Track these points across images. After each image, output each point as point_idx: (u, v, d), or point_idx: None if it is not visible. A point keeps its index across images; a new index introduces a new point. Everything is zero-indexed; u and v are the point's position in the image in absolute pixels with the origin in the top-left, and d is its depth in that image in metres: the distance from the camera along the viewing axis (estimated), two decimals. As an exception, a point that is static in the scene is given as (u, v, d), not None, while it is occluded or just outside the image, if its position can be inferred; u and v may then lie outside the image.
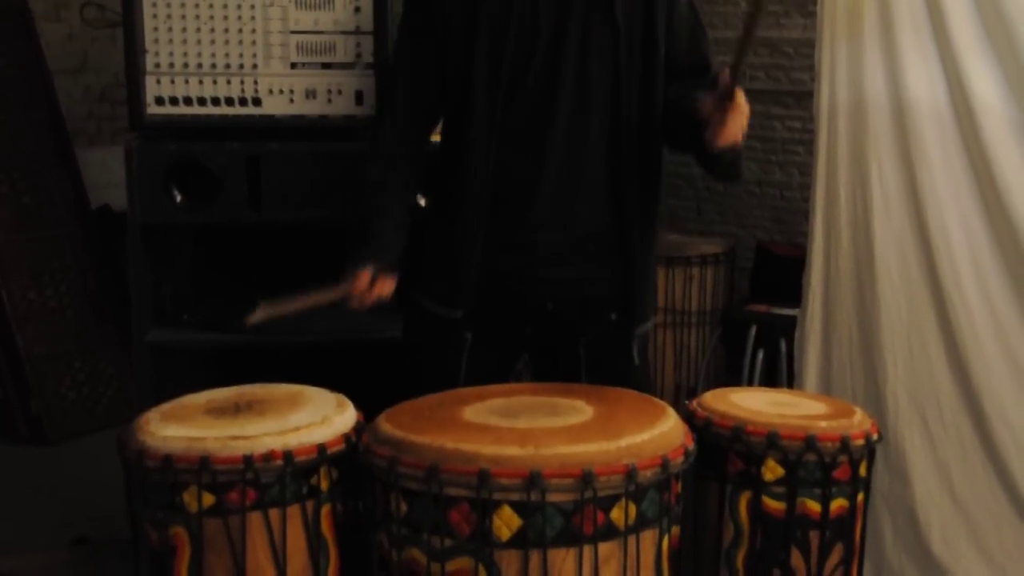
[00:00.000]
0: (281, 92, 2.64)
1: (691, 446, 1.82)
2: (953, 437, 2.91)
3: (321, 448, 1.81)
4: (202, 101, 2.63)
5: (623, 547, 1.72)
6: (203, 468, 1.74)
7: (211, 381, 2.06)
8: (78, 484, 3.78)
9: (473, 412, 1.86)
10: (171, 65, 2.61)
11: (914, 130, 2.88)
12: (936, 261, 2.89)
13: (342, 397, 1.98)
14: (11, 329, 4.25)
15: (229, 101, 2.63)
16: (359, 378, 2.17)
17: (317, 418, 1.86)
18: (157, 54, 2.60)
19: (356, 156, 2.63)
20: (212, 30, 2.60)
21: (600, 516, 1.69)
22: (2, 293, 4.24)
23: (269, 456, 1.76)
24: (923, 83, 2.86)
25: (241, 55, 2.62)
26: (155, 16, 2.59)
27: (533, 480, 1.64)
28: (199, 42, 2.60)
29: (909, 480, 2.93)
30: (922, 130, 2.87)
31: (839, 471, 1.96)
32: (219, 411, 1.90)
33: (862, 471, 2.01)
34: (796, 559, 1.97)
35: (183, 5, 2.58)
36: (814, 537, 1.97)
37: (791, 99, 4.59)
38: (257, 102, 2.64)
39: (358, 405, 1.97)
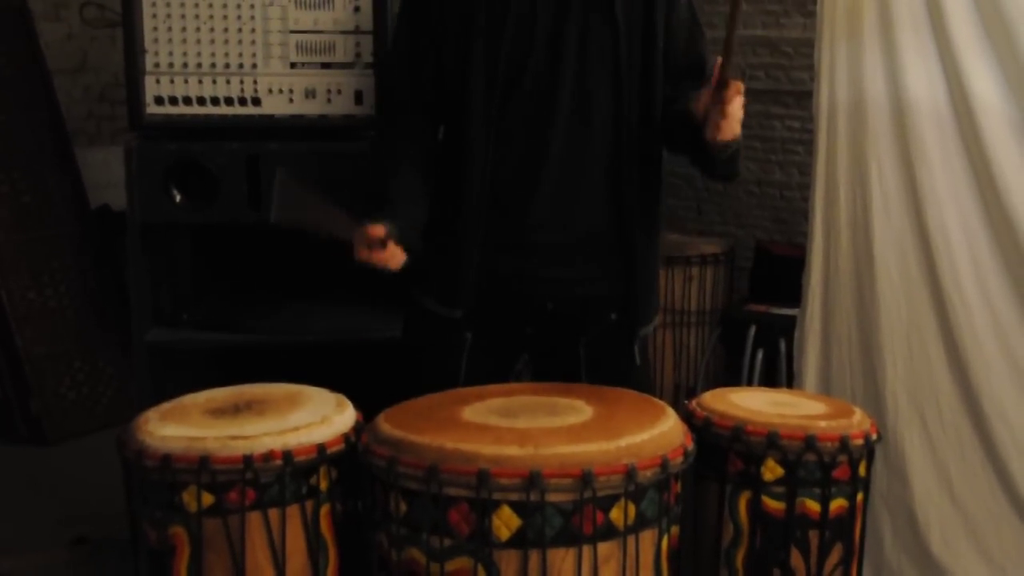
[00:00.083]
0: (281, 92, 2.64)
1: (690, 446, 1.82)
2: (952, 437, 2.91)
3: (320, 448, 1.81)
4: (202, 101, 2.63)
5: (622, 547, 1.72)
6: (202, 468, 1.74)
7: (211, 381, 2.06)
8: (78, 484, 3.78)
9: (473, 412, 1.86)
10: (171, 65, 2.61)
11: (914, 130, 2.88)
12: (936, 261, 2.89)
13: (341, 397, 1.98)
14: (10, 329, 4.25)
15: (229, 101, 2.63)
16: (359, 378, 2.17)
17: (317, 418, 1.86)
18: (157, 54, 2.60)
19: (356, 156, 2.64)
20: (212, 30, 2.60)
21: (599, 516, 1.69)
22: (2, 293, 4.24)
23: (268, 456, 1.76)
24: (923, 83, 2.86)
25: (241, 55, 2.62)
26: (155, 16, 2.59)
27: (532, 480, 1.64)
28: (199, 42, 2.60)
29: (908, 480, 2.92)
30: (922, 130, 2.87)
31: (839, 471, 1.96)
32: (218, 411, 1.90)
33: (861, 471, 2.01)
34: (796, 559, 1.97)
35: (183, 5, 2.58)
36: (813, 537, 1.97)
37: (791, 99, 4.59)
38: (257, 102, 2.64)
39: (357, 405, 1.96)
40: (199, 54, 2.61)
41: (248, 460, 1.75)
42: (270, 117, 2.65)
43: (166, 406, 1.94)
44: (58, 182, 4.55)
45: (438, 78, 2.19)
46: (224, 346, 2.68)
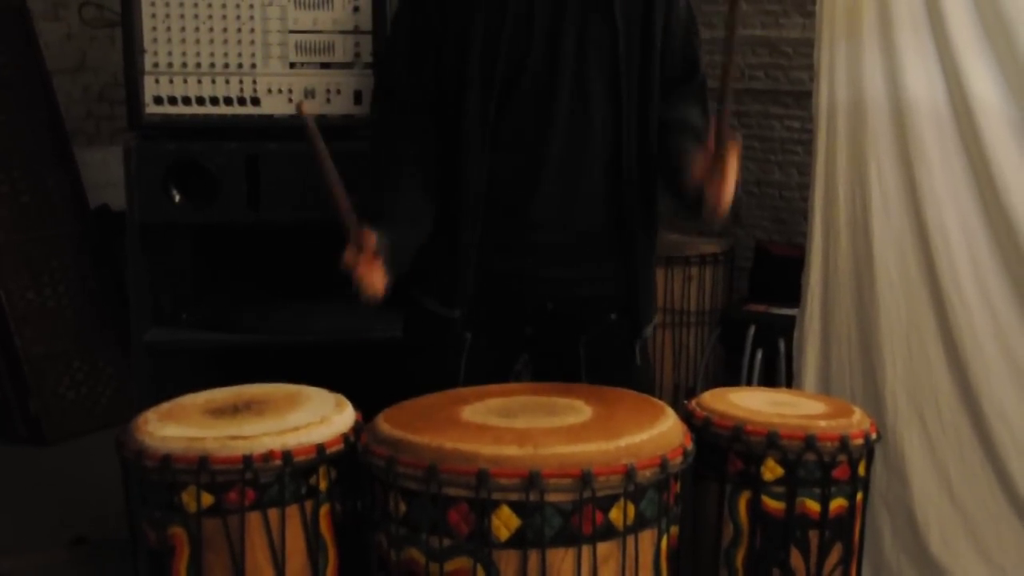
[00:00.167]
0: (280, 92, 2.64)
1: (690, 446, 1.82)
2: (952, 437, 2.91)
3: (320, 448, 1.80)
4: (201, 101, 2.63)
5: (622, 547, 1.72)
6: (202, 468, 1.74)
7: (210, 381, 2.06)
8: (77, 484, 3.78)
9: (472, 412, 1.86)
10: (170, 65, 2.61)
11: (913, 130, 2.88)
12: (935, 261, 2.89)
13: (341, 397, 1.97)
14: (9, 329, 4.25)
15: (228, 101, 2.63)
16: (358, 378, 2.17)
17: (316, 418, 1.85)
18: (156, 54, 2.60)
19: (355, 155, 2.63)
20: (211, 30, 2.60)
21: (599, 516, 1.69)
22: (1, 293, 4.24)
23: (268, 456, 1.76)
24: (922, 83, 2.86)
25: (240, 55, 2.62)
26: (154, 16, 2.59)
27: (532, 480, 1.64)
28: (198, 42, 2.60)
29: (908, 480, 2.93)
30: (921, 130, 2.87)
31: (838, 471, 1.96)
32: (218, 411, 1.90)
33: (861, 471, 2.01)
34: (795, 559, 1.97)
35: (182, 5, 2.58)
36: (813, 537, 1.97)
37: (790, 99, 4.59)
38: (256, 102, 2.64)
39: (357, 405, 1.96)
40: (198, 54, 2.61)
41: (248, 460, 1.75)
42: (269, 117, 2.65)
43: (165, 406, 1.94)
44: (57, 182, 4.55)
45: (437, 78, 2.19)
46: (223, 346, 2.68)
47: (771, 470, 1.95)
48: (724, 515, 2.00)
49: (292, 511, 1.81)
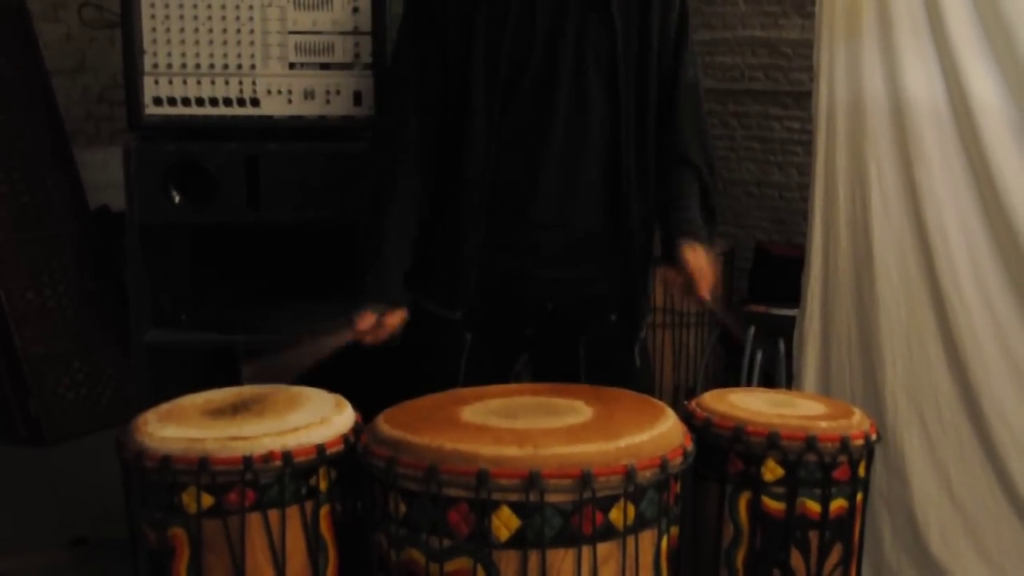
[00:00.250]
0: (279, 92, 2.64)
1: (690, 446, 1.82)
2: (952, 437, 2.91)
3: (320, 449, 1.80)
4: (200, 102, 2.63)
5: (622, 547, 1.72)
6: (202, 469, 1.74)
7: (210, 381, 2.06)
8: (77, 485, 3.78)
9: (472, 412, 1.86)
10: (169, 66, 2.61)
11: (913, 130, 2.88)
12: (935, 261, 2.89)
13: (340, 398, 1.97)
14: (9, 329, 4.26)
15: (227, 102, 2.63)
16: (358, 378, 2.17)
17: (316, 419, 1.85)
18: (155, 55, 2.60)
19: (355, 156, 2.63)
20: (210, 31, 2.60)
21: (599, 516, 1.69)
22: (1, 293, 4.24)
23: (268, 457, 1.76)
24: (922, 83, 2.86)
25: (239, 55, 2.62)
26: (153, 17, 2.59)
27: (532, 480, 1.64)
28: (197, 43, 2.60)
29: (908, 480, 2.93)
30: (921, 130, 2.87)
31: (839, 471, 1.96)
32: (217, 412, 1.90)
33: (861, 471, 2.01)
34: (796, 559, 1.97)
35: (181, 6, 2.58)
36: (814, 537, 1.97)
37: (790, 99, 4.60)
38: (255, 103, 2.64)
39: (356, 405, 1.96)
40: (198, 55, 2.61)
41: (248, 461, 1.75)
42: (269, 118, 2.65)
43: (165, 407, 1.93)
44: (57, 183, 4.55)
45: (442, 80, 2.19)
46: (223, 346, 2.68)
47: (771, 471, 1.95)
48: (724, 515, 2.00)
49: (292, 512, 1.81)
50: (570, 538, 1.68)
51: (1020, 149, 2.79)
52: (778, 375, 3.71)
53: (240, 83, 2.63)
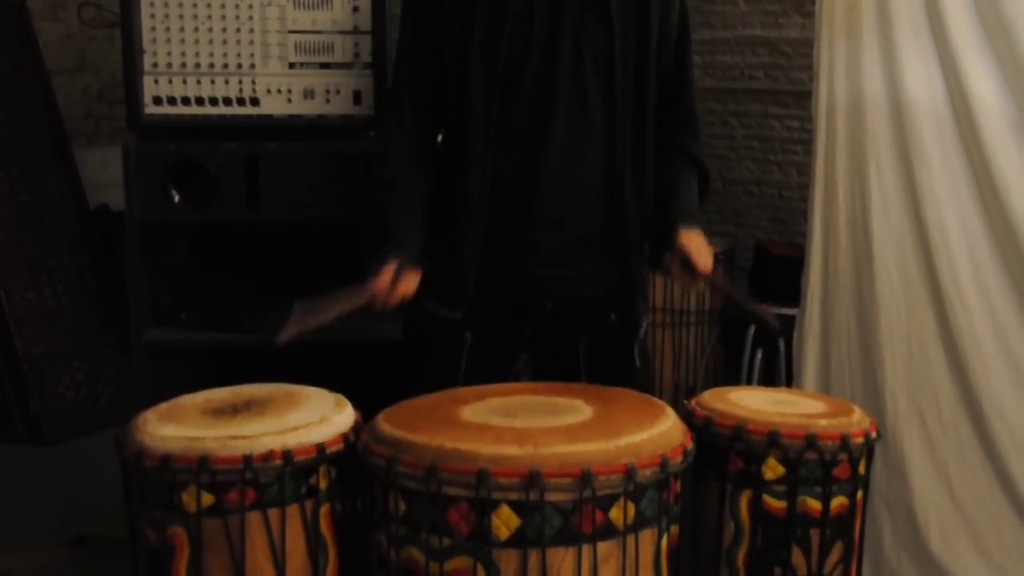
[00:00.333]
0: (279, 92, 2.64)
1: (690, 445, 1.82)
2: (952, 436, 2.91)
3: (320, 448, 1.80)
4: (200, 101, 2.62)
5: (622, 546, 1.72)
6: (202, 468, 1.74)
7: (209, 381, 2.06)
8: (76, 484, 3.78)
9: (472, 411, 1.86)
10: (169, 65, 2.61)
11: (913, 129, 2.88)
12: (935, 261, 2.89)
13: (340, 397, 1.97)
14: (9, 329, 4.26)
15: (227, 101, 2.63)
16: (358, 378, 2.17)
17: (316, 418, 1.85)
18: (155, 54, 2.60)
19: (355, 155, 2.64)
20: (210, 30, 2.60)
21: (599, 515, 1.69)
22: (0, 293, 4.24)
23: (268, 456, 1.76)
24: (922, 82, 2.86)
25: (239, 55, 2.62)
26: (153, 16, 2.59)
27: (532, 479, 1.64)
28: (197, 42, 2.60)
29: (908, 479, 2.93)
30: (921, 129, 2.87)
31: (839, 469, 1.96)
32: (217, 411, 1.90)
33: (861, 469, 2.02)
34: (797, 557, 1.97)
35: (181, 5, 2.58)
36: (814, 535, 1.97)
37: (789, 98, 4.60)
38: (255, 102, 2.64)
39: (356, 405, 1.96)
40: (197, 54, 2.61)
41: (248, 460, 1.74)
42: (268, 117, 2.65)
43: (164, 406, 1.93)
44: (57, 182, 4.55)
45: (441, 80, 2.19)
46: (223, 346, 2.68)
47: (772, 469, 1.95)
48: (725, 514, 2.00)
49: (292, 511, 1.81)
50: (570, 537, 1.68)
51: (1020, 148, 2.79)
52: (778, 374, 3.70)
53: (240, 82, 2.63)
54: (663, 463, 1.73)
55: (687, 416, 2.02)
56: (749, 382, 3.81)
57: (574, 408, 1.87)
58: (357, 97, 2.65)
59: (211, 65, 2.61)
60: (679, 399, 3.99)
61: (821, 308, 3.07)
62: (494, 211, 2.17)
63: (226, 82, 2.62)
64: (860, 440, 1.98)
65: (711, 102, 4.64)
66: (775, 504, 1.96)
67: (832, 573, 1.99)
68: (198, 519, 1.76)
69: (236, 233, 2.78)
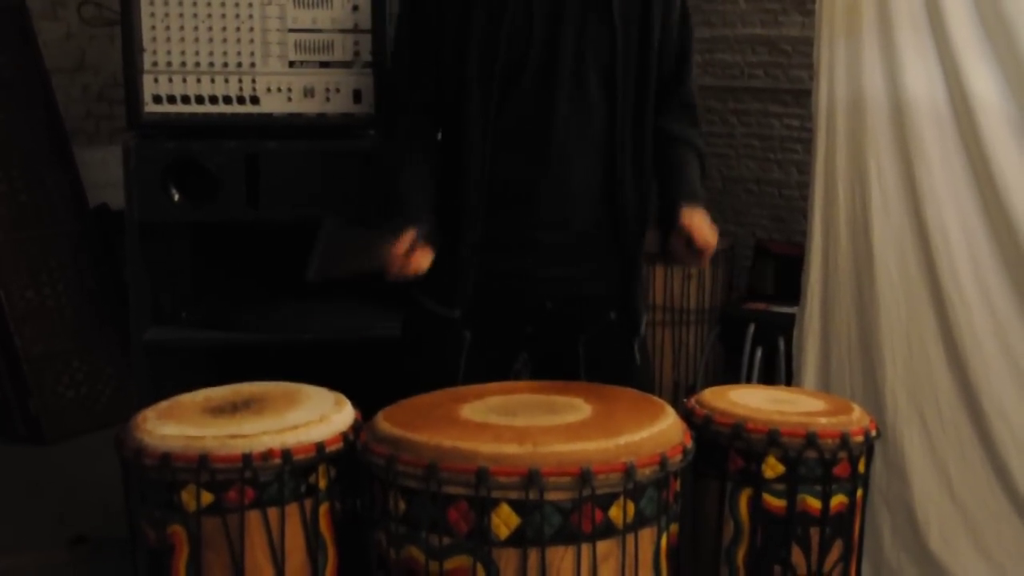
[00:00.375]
0: (279, 90, 2.64)
1: (689, 444, 1.82)
2: (952, 435, 2.91)
3: (319, 446, 1.80)
4: (200, 100, 2.62)
5: (621, 545, 1.72)
6: (201, 467, 1.74)
7: (209, 380, 2.06)
8: (76, 483, 3.78)
9: (471, 410, 1.86)
10: (169, 64, 2.61)
11: (913, 128, 2.88)
12: (935, 259, 2.89)
13: (340, 395, 1.97)
14: (9, 329, 4.25)
15: (227, 100, 2.63)
16: (357, 376, 2.17)
17: (315, 416, 1.85)
18: (155, 53, 2.60)
19: (355, 154, 2.64)
20: (210, 28, 2.60)
21: (598, 514, 1.69)
22: (0, 292, 4.24)
23: (267, 455, 1.76)
24: (922, 81, 2.86)
25: (239, 53, 2.62)
26: (153, 15, 2.59)
27: (531, 478, 1.64)
28: (197, 40, 2.60)
29: (908, 478, 2.93)
30: (921, 128, 2.87)
31: (839, 468, 1.96)
32: (217, 409, 1.90)
33: (861, 468, 2.02)
34: (796, 556, 1.97)
35: (181, 3, 2.58)
36: (814, 534, 1.97)
37: (789, 97, 4.59)
38: (255, 100, 2.64)
39: (356, 403, 1.96)
40: (197, 53, 2.61)
41: (247, 459, 1.74)
42: (268, 116, 2.65)
43: (164, 405, 1.93)
44: (56, 181, 4.55)
45: (438, 77, 2.19)
46: (223, 345, 2.68)
47: (772, 467, 1.95)
48: (725, 513, 2.00)
49: (292, 509, 1.81)
50: (570, 536, 1.68)
51: (1020, 147, 2.79)
52: (778, 373, 3.70)
53: (240, 81, 2.63)
54: (663, 462, 1.73)
55: (687, 415, 2.02)
56: (749, 380, 3.81)
57: (573, 407, 1.87)
58: (357, 96, 2.65)
59: (211, 64, 2.61)
60: (679, 397, 3.99)
61: (821, 307, 3.07)
62: (493, 211, 2.17)
63: (226, 81, 2.62)
64: (860, 439, 1.98)
65: (711, 100, 4.64)
66: (775, 503, 1.96)
67: (832, 572, 1.99)
68: (197, 518, 1.76)
69: (236, 232, 2.78)
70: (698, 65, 4.36)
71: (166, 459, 1.75)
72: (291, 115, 2.65)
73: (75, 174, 4.63)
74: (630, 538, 1.72)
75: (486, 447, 1.67)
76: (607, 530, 1.70)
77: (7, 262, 4.29)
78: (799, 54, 4.47)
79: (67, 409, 4.36)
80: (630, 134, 2.18)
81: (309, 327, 2.69)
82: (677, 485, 1.83)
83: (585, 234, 2.22)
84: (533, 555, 1.67)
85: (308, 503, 1.83)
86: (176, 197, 2.60)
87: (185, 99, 2.62)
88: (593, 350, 2.26)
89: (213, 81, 2.62)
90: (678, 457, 1.77)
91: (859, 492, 2.02)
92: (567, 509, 1.67)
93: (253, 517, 1.78)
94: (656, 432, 1.76)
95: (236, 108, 2.63)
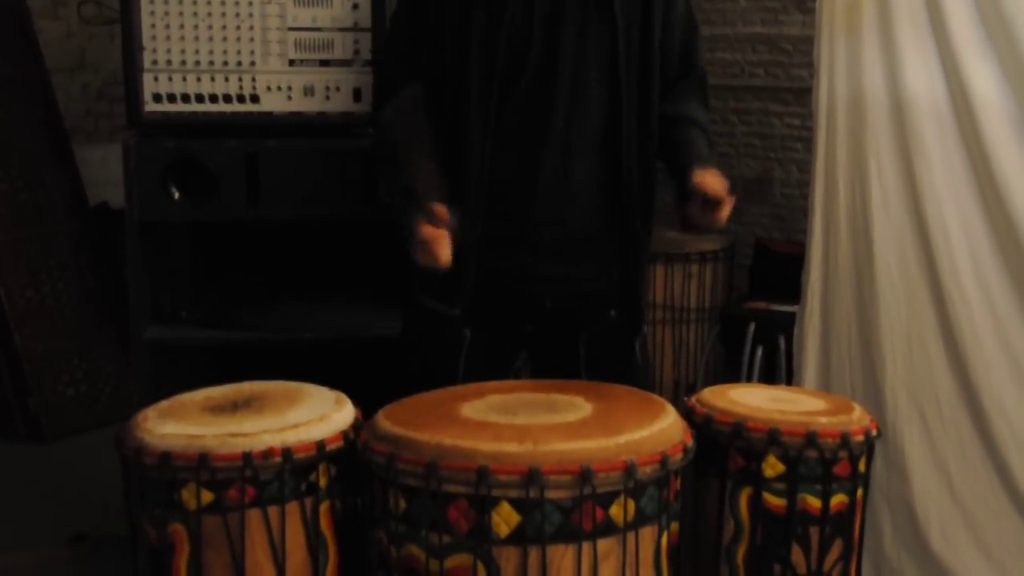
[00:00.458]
0: (279, 89, 2.64)
1: (690, 443, 1.82)
2: (952, 433, 2.91)
3: (320, 445, 1.80)
4: (200, 98, 2.62)
5: (622, 544, 1.72)
6: (202, 465, 1.73)
7: (210, 378, 2.06)
8: (76, 482, 3.78)
9: (472, 409, 1.86)
10: (169, 62, 2.61)
11: (913, 126, 2.88)
12: (935, 258, 2.89)
13: (340, 394, 1.97)
14: (9, 327, 4.25)
15: (227, 98, 2.63)
16: (357, 375, 2.17)
17: (316, 415, 1.85)
18: (155, 51, 2.60)
19: (355, 153, 2.64)
20: (210, 27, 2.60)
21: (599, 513, 1.69)
22: (0, 291, 4.24)
23: (268, 453, 1.76)
24: (922, 79, 2.86)
25: (239, 52, 2.62)
26: (153, 13, 2.59)
27: (532, 477, 1.64)
28: (197, 39, 2.60)
29: (908, 476, 2.93)
30: (921, 126, 2.87)
31: (839, 467, 1.96)
32: (217, 408, 1.90)
33: (861, 467, 2.01)
34: (796, 555, 1.97)
35: (181, 2, 2.58)
36: (814, 533, 1.97)
37: (790, 96, 4.59)
38: (255, 99, 2.64)
39: (356, 402, 1.96)
40: (197, 51, 2.61)
41: (247, 457, 1.74)
42: (268, 114, 2.65)
43: (165, 404, 1.93)
44: (56, 180, 4.54)
45: (436, 75, 2.18)
46: (223, 343, 2.68)
47: (772, 466, 1.95)
48: (725, 512, 2.00)
49: (292, 508, 1.81)
50: (570, 534, 1.68)
51: (1020, 145, 2.79)
52: (778, 372, 3.70)
53: (240, 80, 2.62)
54: (663, 460, 1.73)
55: (687, 413, 2.02)
56: (749, 379, 3.81)
57: (574, 405, 1.87)
58: (357, 94, 2.65)
59: (211, 62, 2.61)
60: (679, 396, 3.99)
61: (821, 305, 3.07)
62: (493, 209, 2.17)
63: (226, 79, 2.62)
64: (860, 438, 1.98)
65: (711, 99, 4.62)
66: (775, 502, 1.96)
67: (832, 571, 1.99)
68: (198, 516, 1.76)
69: (236, 231, 2.78)
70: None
71: (166, 458, 1.75)
72: (291, 114, 2.65)
73: (75, 173, 4.62)
74: (631, 536, 1.72)
75: (486, 445, 1.67)
76: (608, 528, 1.70)
77: (7, 261, 4.28)
78: (799, 53, 4.46)
79: (67, 408, 4.36)
80: (634, 132, 2.18)
81: (309, 326, 2.69)
82: (678, 484, 1.83)
83: (586, 233, 2.21)
84: (533, 553, 1.67)
85: (308, 502, 1.83)
86: (176, 196, 2.60)
87: (185, 98, 2.62)
88: (593, 349, 2.26)
89: (213, 80, 2.62)
90: (679, 456, 1.77)
91: (859, 491, 2.02)
92: (567, 507, 1.67)
93: (253, 516, 1.78)
94: (657, 431, 1.76)
95: (236, 107, 2.63)
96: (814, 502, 1.96)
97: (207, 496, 1.76)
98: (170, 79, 2.61)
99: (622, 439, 1.71)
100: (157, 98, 2.61)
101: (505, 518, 1.66)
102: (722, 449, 1.99)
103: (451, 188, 2.18)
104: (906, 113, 2.88)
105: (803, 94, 4.18)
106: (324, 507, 1.85)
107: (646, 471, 1.71)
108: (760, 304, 4.00)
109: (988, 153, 2.79)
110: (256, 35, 2.62)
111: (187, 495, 1.76)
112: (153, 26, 2.59)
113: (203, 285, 2.85)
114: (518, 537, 1.67)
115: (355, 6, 2.63)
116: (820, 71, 2.99)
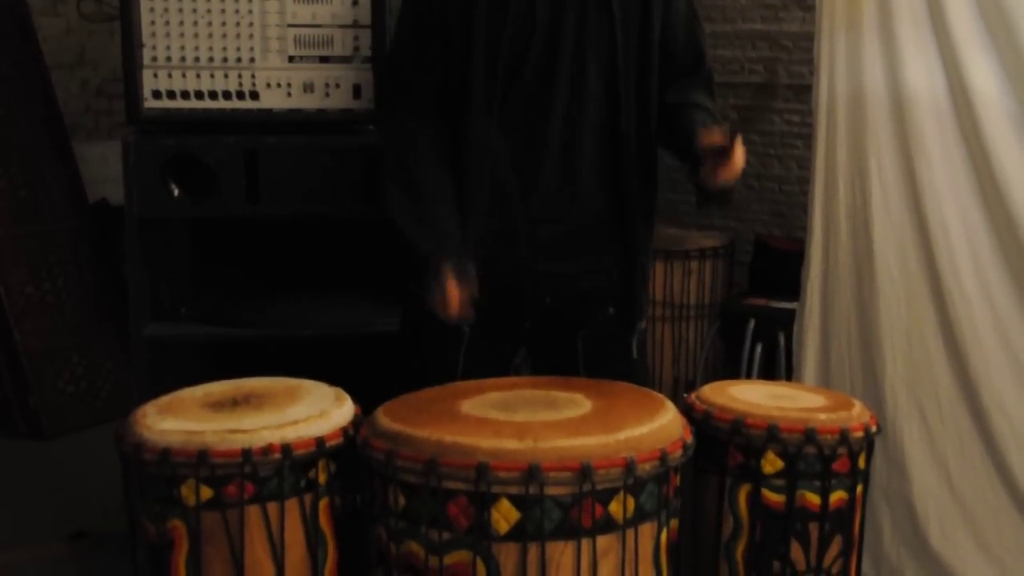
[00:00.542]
0: (279, 86, 2.64)
1: (689, 439, 1.82)
2: (952, 430, 2.91)
3: (319, 442, 1.80)
4: (199, 95, 2.62)
5: (621, 540, 1.72)
6: (201, 461, 1.74)
7: (209, 375, 2.06)
8: (76, 478, 3.78)
9: (471, 405, 1.86)
10: (168, 59, 2.60)
11: (913, 123, 2.87)
12: (935, 254, 2.88)
13: (340, 391, 1.97)
14: (8, 324, 4.25)
15: (227, 95, 2.63)
16: (357, 372, 2.17)
17: (315, 412, 1.85)
18: (154, 48, 2.60)
19: (354, 149, 2.63)
20: (209, 24, 2.60)
21: (598, 509, 1.69)
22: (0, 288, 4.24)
23: (267, 450, 1.76)
24: (922, 76, 2.85)
25: (238, 49, 2.61)
26: (152, 10, 2.58)
27: (531, 473, 1.64)
28: (196, 36, 2.60)
29: (908, 473, 2.92)
30: (921, 123, 2.87)
31: (838, 463, 1.96)
32: (217, 404, 1.90)
33: (861, 463, 2.02)
34: (796, 551, 1.97)
35: (180, -1, 2.58)
36: (813, 529, 1.97)
37: (790, 92, 4.58)
38: (255, 96, 2.64)
39: (356, 399, 1.96)
40: (197, 48, 2.60)
41: (247, 454, 1.75)
42: (268, 111, 2.64)
43: (164, 400, 1.93)
44: (56, 177, 4.54)
45: (443, 72, 2.18)
46: (222, 340, 2.68)
47: (771, 463, 1.95)
48: (724, 508, 2.00)
49: (291, 504, 1.81)
50: (570, 531, 1.68)
51: (1020, 142, 2.78)
52: (778, 368, 3.70)
53: (239, 76, 2.62)
54: (663, 457, 1.73)
55: (687, 410, 2.02)
56: (749, 376, 3.80)
57: (573, 402, 1.87)
58: (357, 91, 2.65)
59: (211, 59, 2.61)
60: (679, 393, 3.99)
61: (821, 302, 3.07)
62: (494, 204, 2.17)
63: (225, 76, 2.62)
64: (860, 434, 1.98)
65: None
66: (774, 498, 1.96)
67: (831, 567, 1.99)
68: (197, 512, 1.77)
69: (236, 227, 2.78)
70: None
71: (166, 454, 1.75)
72: (290, 110, 2.65)
73: (74, 170, 4.62)
74: (630, 533, 1.73)
75: (486, 442, 1.68)
76: (607, 525, 1.70)
77: (7, 257, 4.28)
78: (799, 49, 4.45)
79: (67, 404, 4.36)
80: (634, 127, 2.18)
81: (309, 322, 2.69)
82: (677, 480, 1.83)
83: (585, 229, 2.21)
84: (533, 550, 1.67)
85: (308, 498, 1.83)
86: (176, 192, 2.60)
87: (184, 94, 2.62)
88: (592, 345, 2.26)
89: (212, 76, 2.62)
90: (678, 452, 1.77)
91: (859, 488, 2.02)
92: (567, 504, 1.67)
93: (253, 512, 1.78)
94: (656, 427, 1.77)
95: (235, 103, 2.63)
96: (813, 498, 1.96)
97: (206, 492, 1.76)
98: (169, 76, 2.61)
99: (622, 436, 1.71)
100: (156, 95, 2.61)
101: (505, 515, 1.66)
102: (721, 445, 1.99)
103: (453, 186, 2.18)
104: (906, 110, 2.88)
105: (803, 91, 4.17)
106: (323, 503, 1.85)
107: (646, 468, 1.71)
108: (760, 301, 4.00)
109: (988, 150, 2.79)
110: (255, 32, 2.61)
111: (186, 491, 1.76)
112: (152, 23, 2.59)
113: (202, 281, 2.85)
114: (518, 534, 1.67)
115: (355, 3, 2.63)
116: (820, 68, 2.99)
